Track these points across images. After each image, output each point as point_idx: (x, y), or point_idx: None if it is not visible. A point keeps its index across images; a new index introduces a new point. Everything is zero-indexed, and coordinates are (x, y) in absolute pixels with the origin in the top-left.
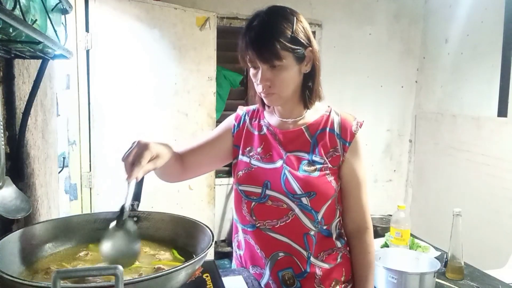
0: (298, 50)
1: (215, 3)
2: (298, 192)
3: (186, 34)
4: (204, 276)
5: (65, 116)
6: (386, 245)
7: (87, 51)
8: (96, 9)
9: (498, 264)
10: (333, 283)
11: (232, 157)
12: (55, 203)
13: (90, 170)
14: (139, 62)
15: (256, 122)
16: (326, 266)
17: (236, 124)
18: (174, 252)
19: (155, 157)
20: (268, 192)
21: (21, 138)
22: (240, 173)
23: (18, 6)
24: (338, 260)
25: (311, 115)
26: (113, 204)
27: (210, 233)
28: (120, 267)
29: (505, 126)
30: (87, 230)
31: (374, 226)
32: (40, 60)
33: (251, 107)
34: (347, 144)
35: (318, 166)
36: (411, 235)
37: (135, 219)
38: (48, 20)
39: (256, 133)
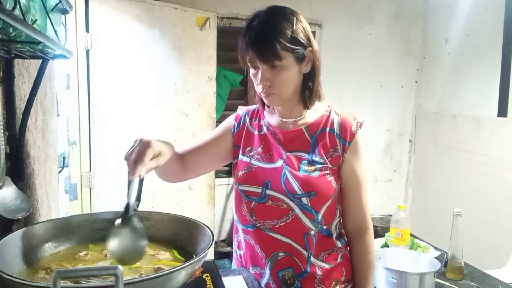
0: (298, 50)
1: (215, 3)
2: (298, 192)
3: (186, 34)
4: (204, 276)
5: (65, 116)
6: (386, 245)
7: (87, 51)
8: (96, 9)
9: (498, 264)
10: (333, 283)
11: (232, 157)
12: (55, 203)
13: (90, 170)
14: (139, 62)
15: (256, 122)
16: (326, 266)
17: (236, 124)
18: (174, 252)
19: (157, 154)
20: (268, 192)
21: (21, 138)
22: (240, 173)
23: (18, 6)
24: (338, 260)
25: (311, 115)
26: (113, 204)
27: (210, 233)
28: (120, 267)
29: (505, 126)
30: (87, 230)
31: (374, 226)
32: (40, 60)
33: (251, 107)
34: (347, 144)
35: (318, 166)
36: (411, 235)
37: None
38: (48, 20)
39: (256, 133)
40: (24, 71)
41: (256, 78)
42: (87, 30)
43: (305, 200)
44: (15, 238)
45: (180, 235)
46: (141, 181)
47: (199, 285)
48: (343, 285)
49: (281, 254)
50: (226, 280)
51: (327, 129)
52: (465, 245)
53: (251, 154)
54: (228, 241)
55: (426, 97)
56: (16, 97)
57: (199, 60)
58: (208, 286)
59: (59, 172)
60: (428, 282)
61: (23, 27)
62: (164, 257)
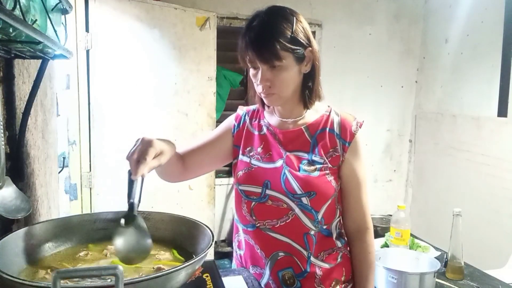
0: (298, 50)
1: (215, 3)
2: (298, 192)
3: (186, 34)
4: (204, 276)
5: (65, 116)
6: (386, 245)
7: (87, 51)
8: (96, 9)
9: (498, 264)
10: (333, 283)
11: (232, 157)
12: (55, 203)
13: (90, 170)
14: (139, 62)
15: (256, 122)
16: (326, 266)
17: (236, 124)
18: (174, 252)
19: (159, 153)
20: (268, 192)
21: (21, 138)
22: (240, 173)
23: (18, 6)
24: (338, 260)
25: (311, 115)
26: (113, 204)
27: (210, 233)
28: (120, 267)
29: (505, 126)
30: (87, 230)
31: (374, 226)
32: (40, 60)
33: (251, 107)
34: (347, 144)
35: (318, 166)
36: (411, 235)
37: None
38: (48, 20)
39: (256, 133)
40: (24, 71)
41: (256, 78)
42: (87, 30)
43: (305, 200)
44: (15, 238)
45: (180, 235)
46: (141, 181)
47: (199, 285)
48: (343, 285)
49: (281, 254)
50: (226, 280)
51: (327, 129)
52: (465, 245)
53: (251, 154)
54: (228, 241)
55: (426, 97)
56: (16, 97)
57: (199, 60)
58: (208, 286)
59: (59, 172)
60: (428, 282)
61: (23, 27)
62: (164, 257)
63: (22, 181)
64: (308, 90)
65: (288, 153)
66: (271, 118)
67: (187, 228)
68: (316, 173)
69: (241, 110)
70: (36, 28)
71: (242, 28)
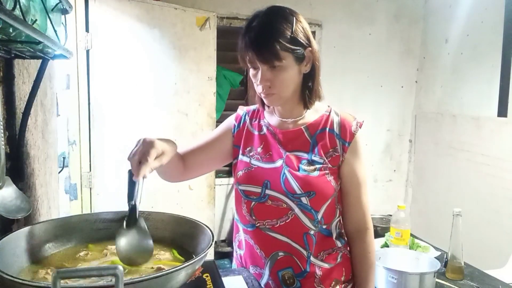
0: (298, 51)
1: (215, 3)
2: (298, 191)
3: (186, 34)
4: (204, 276)
5: (65, 116)
6: (386, 245)
7: (87, 51)
8: (96, 9)
9: (498, 264)
10: (333, 283)
11: (232, 157)
12: (55, 203)
13: (90, 170)
14: (139, 62)
15: (256, 122)
16: (326, 265)
17: (236, 124)
18: (174, 252)
19: (160, 154)
20: (267, 191)
21: (21, 138)
22: (240, 173)
23: (18, 6)
24: (338, 260)
25: (311, 115)
26: (113, 204)
27: (210, 233)
28: (120, 267)
29: (505, 126)
30: (87, 230)
31: (374, 226)
32: (40, 60)
33: (252, 107)
34: (347, 144)
35: (318, 166)
36: (411, 235)
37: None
38: (48, 20)
39: (256, 133)
40: (24, 71)
41: (256, 78)
42: (87, 30)
43: (304, 200)
44: (15, 238)
45: (180, 235)
46: (142, 181)
47: (199, 285)
48: (343, 285)
49: (280, 253)
50: (226, 280)
51: (327, 129)
52: (465, 245)
53: (251, 154)
54: (228, 241)
55: (426, 97)
56: (16, 97)
57: (199, 60)
58: (208, 286)
59: (59, 172)
60: (428, 282)
61: (23, 27)
62: (164, 257)
63: (22, 181)
64: (308, 90)
65: (288, 153)
66: (271, 118)
67: (187, 228)
68: (316, 173)
69: (241, 110)
70: (36, 28)
71: (242, 28)
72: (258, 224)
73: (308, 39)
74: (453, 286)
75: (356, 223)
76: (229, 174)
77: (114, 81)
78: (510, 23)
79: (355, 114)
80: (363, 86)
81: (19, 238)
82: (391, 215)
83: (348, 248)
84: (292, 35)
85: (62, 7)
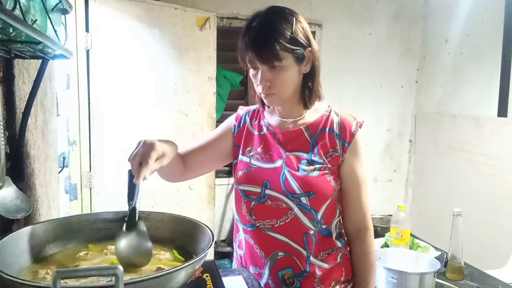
0: (298, 51)
1: (215, 3)
2: (297, 191)
3: (186, 34)
4: (204, 276)
5: (65, 116)
6: (386, 245)
7: (87, 51)
8: (96, 9)
9: (498, 264)
10: (333, 283)
11: (232, 157)
12: (55, 203)
13: (90, 170)
14: (139, 62)
15: (257, 122)
16: (325, 265)
17: (236, 124)
18: (174, 252)
19: (161, 155)
20: (267, 191)
21: (21, 138)
22: (240, 173)
23: (18, 6)
24: (338, 260)
25: (311, 115)
26: (113, 204)
27: (210, 233)
28: (120, 267)
29: (505, 126)
30: (87, 230)
31: (374, 226)
32: (40, 60)
33: (252, 107)
34: (346, 144)
35: (317, 166)
36: (411, 235)
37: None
38: (48, 20)
39: (256, 133)
40: (24, 71)
41: (256, 78)
42: (87, 30)
43: (304, 200)
44: (15, 238)
45: (180, 235)
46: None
47: (199, 285)
48: (342, 285)
49: (280, 253)
50: (226, 280)
51: (327, 129)
52: (465, 245)
53: (251, 154)
54: (228, 241)
55: (426, 97)
56: (16, 97)
57: (199, 60)
58: (208, 286)
59: (59, 172)
60: (428, 282)
61: (23, 27)
62: (164, 257)
63: (22, 181)
64: (308, 90)
65: (287, 153)
66: (271, 118)
67: (187, 228)
68: (315, 173)
69: (242, 110)
70: (36, 28)
71: (242, 28)
72: (258, 224)
73: (308, 39)
74: (453, 286)
75: (356, 223)
76: (229, 174)
77: (114, 81)
78: (510, 23)
79: (355, 114)
80: (363, 86)
81: (19, 238)
82: (391, 215)
83: (348, 248)
84: (292, 35)
85: (62, 7)
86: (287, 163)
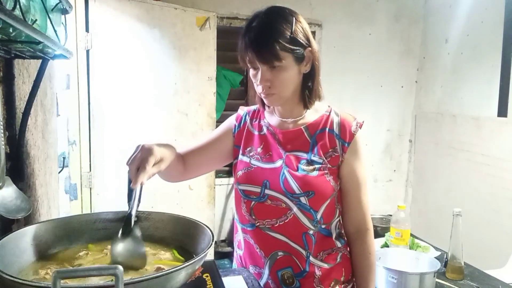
0: (298, 51)
1: (215, 3)
2: (297, 191)
3: (186, 34)
4: (204, 276)
5: (65, 116)
6: (386, 245)
7: (87, 51)
8: (96, 9)
9: (498, 264)
10: (333, 283)
11: (232, 157)
12: (55, 203)
13: (90, 170)
14: (139, 62)
15: (257, 122)
16: (325, 265)
17: (237, 125)
18: (174, 252)
19: (159, 160)
20: (267, 191)
21: (21, 138)
22: (240, 172)
23: (18, 6)
24: (338, 260)
25: (311, 115)
26: (113, 204)
27: (210, 233)
28: (120, 267)
29: (505, 126)
30: (87, 230)
31: (374, 226)
32: (40, 60)
33: (252, 107)
34: (346, 144)
35: (317, 166)
36: (411, 235)
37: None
38: (48, 20)
39: (256, 133)
40: (24, 71)
41: (256, 78)
42: (87, 30)
43: (303, 200)
44: (15, 238)
45: (180, 235)
46: (140, 187)
47: (199, 285)
48: (342, 285)
49: (280, 253)
50: (226, 280)
51: (327, 129)
52: (465, 245)
53: (251, 154)
54: (228, 241)
55: (426, 97)
56: (16, 97)
57: (199, 60)
58: (208, 286)
59: (59, 172)
60: (428, 282)
61: (23, 27)
62: (164, 257)
63: (22, 181)
64: (308, 90)
65: (287, 153)
66: (271, 118)
67: (187, 228)
68: (315, 173)
69: (242, 110)
70: (36, 28)
71: (242, 28)
72: (258, 224)
73: (307, 39)
74: (453, 286)
75: (356, 223)
76: (229, 174)
77: (114, 81)
78: (510, 23)
79: (355, 114)
80: (363, 86)
81: (19, 238)
82: (391, 215)
83: (348, 249)
84: (291, 35)
85: (62, 7)
86: (287, 163)
